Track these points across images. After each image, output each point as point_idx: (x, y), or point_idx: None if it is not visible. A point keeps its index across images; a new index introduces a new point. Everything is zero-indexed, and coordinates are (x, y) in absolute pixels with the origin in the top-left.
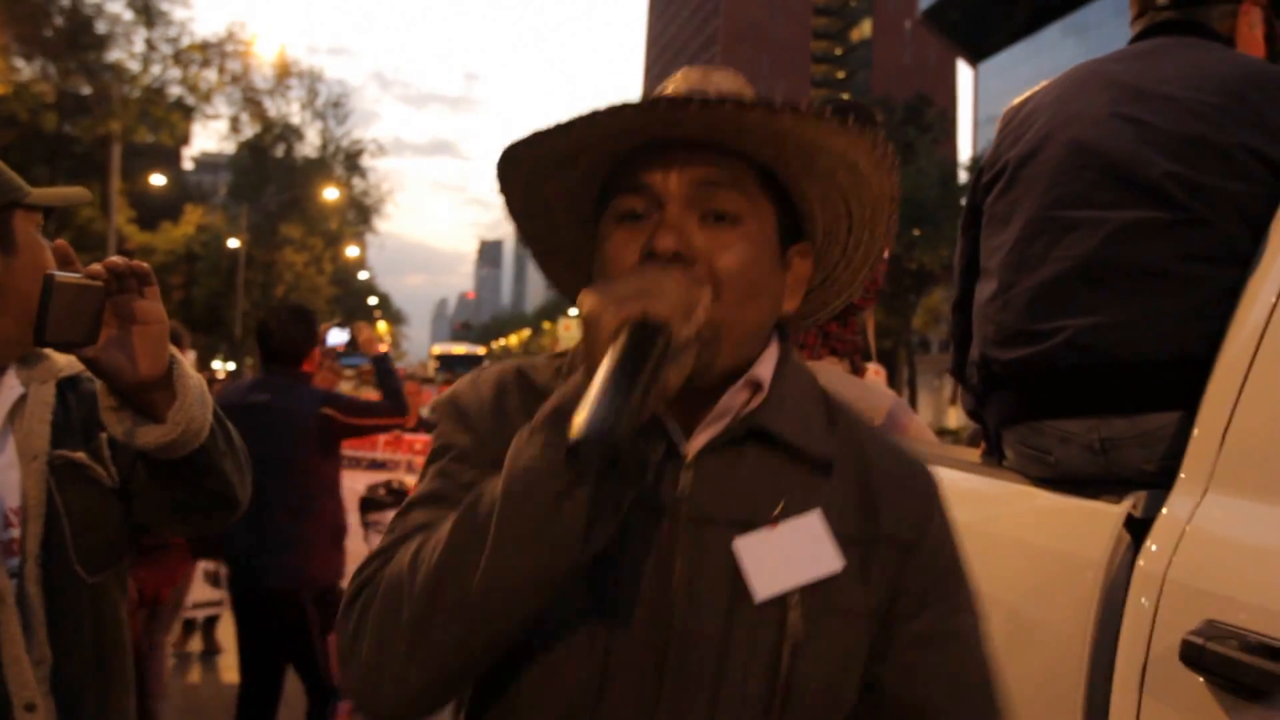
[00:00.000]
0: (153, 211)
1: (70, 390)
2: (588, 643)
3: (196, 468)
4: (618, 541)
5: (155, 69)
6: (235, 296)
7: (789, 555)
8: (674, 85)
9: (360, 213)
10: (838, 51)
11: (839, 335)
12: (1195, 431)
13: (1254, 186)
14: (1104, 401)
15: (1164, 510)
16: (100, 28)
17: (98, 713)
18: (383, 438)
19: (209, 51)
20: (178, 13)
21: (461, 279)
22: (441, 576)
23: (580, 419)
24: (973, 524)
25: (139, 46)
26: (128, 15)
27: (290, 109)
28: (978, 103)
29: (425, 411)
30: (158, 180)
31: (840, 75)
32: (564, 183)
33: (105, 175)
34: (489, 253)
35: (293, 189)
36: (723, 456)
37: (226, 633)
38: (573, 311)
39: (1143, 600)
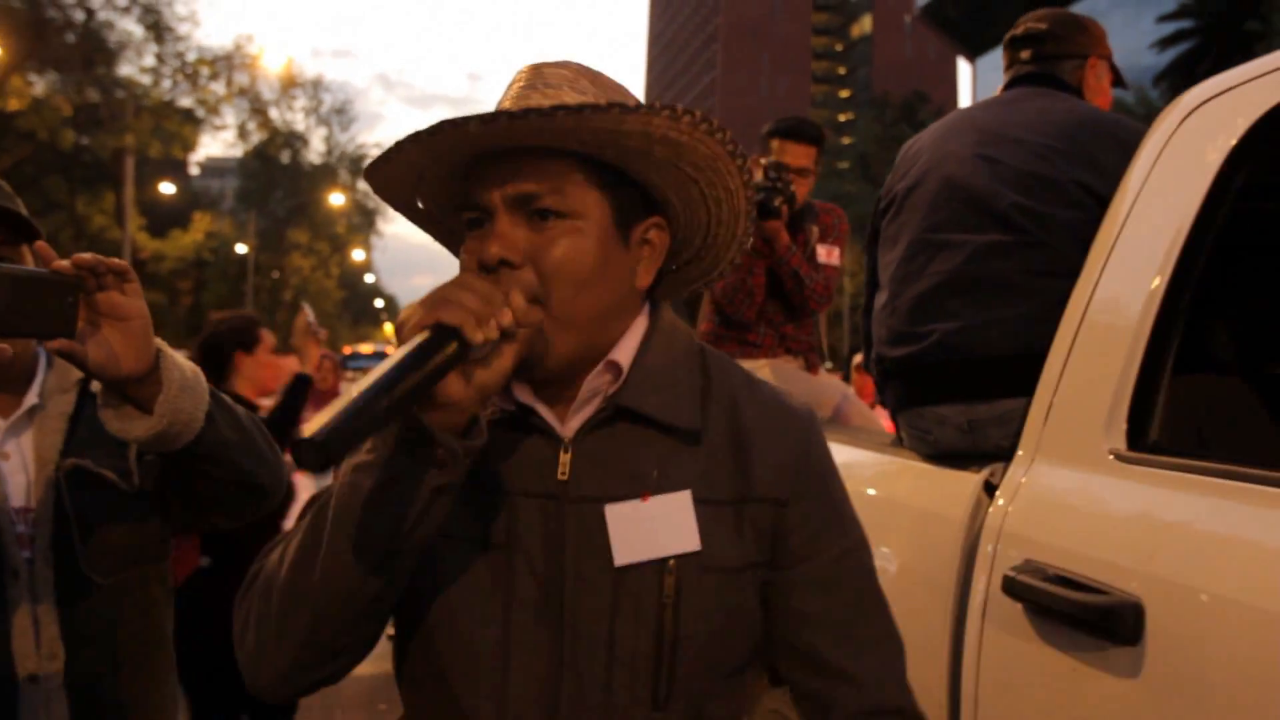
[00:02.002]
0: (162, 219)
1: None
2: (490, 620)
3: (201, 458)
4: (514, 525)
5: (165, 83)
6: (244, 302)
7: (655, 528)
8: (513, 87)
9: (365, 216)
10: (838, 47)
11: (794, 336)
12: (1030, 413)
13: (1083, 214)
14: (969, 390)
15: (1006, 476)
16: (111, 41)
17: (111, 706)
18: None
19: (216, 65)
20: (184, 27)
21: None
22: (294, 568)
23: (313, 423)
24: (879, 495)
25: (149, 61)
26: (138, 32)
27: (295, 116)
28: (976, 97)
29: None
30: (167, 189)
31: (841, 71)
32: (426, 194)
33: (118, 185)
34: None
35: (299, 195)
36: (597, 437)
37: None
38: None
39: (988, 547)
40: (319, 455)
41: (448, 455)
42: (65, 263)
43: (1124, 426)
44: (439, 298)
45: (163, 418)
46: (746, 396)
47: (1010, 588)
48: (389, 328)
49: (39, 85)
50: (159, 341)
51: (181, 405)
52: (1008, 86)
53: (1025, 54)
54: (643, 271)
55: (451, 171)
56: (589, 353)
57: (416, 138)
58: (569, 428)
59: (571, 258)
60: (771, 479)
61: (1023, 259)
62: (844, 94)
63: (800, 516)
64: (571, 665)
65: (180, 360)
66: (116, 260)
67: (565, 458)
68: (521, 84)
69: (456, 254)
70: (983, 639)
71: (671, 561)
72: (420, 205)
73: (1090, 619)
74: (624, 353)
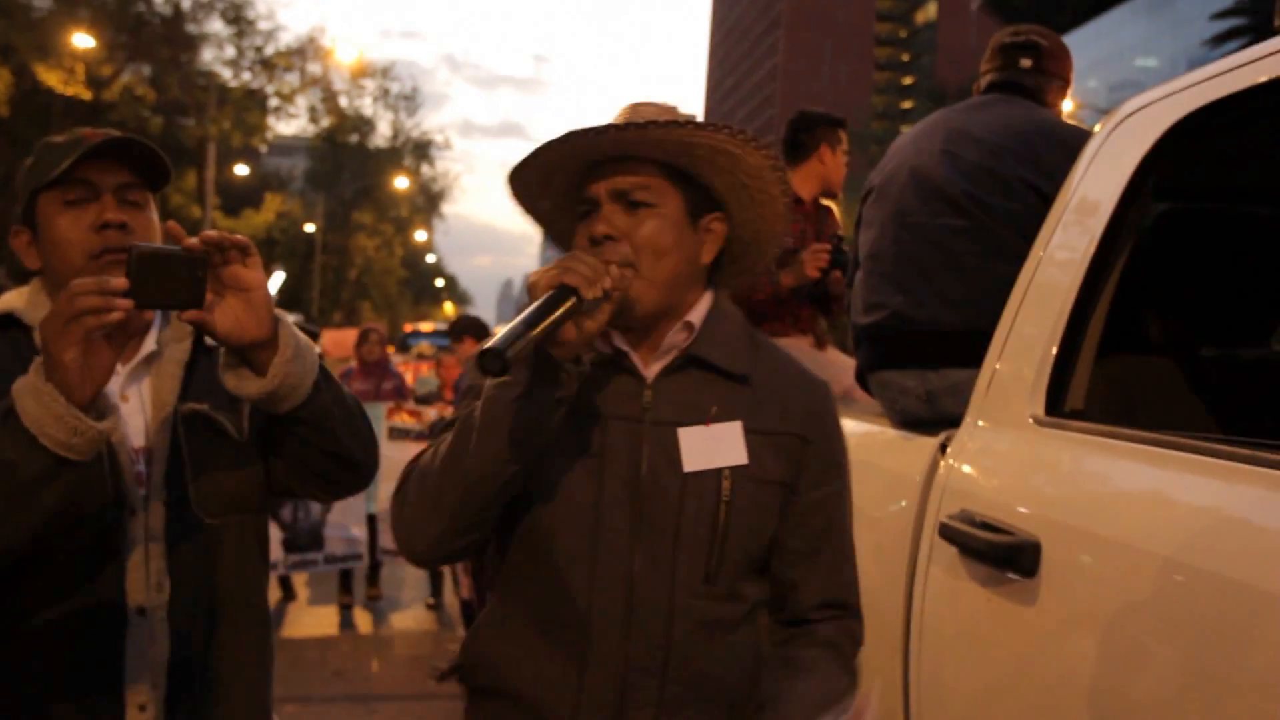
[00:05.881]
0: (235, 199)
1: (214, 354)
2: (585, 511)
3: (302, 422)
4: (605, 441)
5: (245, 75)
6: (311, 279)
7: (714, 446)
8: (618, 118)
9: (429, 199)
10: (902, 34)
11: (806, 318)
12: (976, 384)
13: (1026, 207)
14: (921, 357)
15: (955, 439)
16: (192, 30)
17: (206, 646)
18: (433, 409)
19: (291, 58)
20: (263, 24)
21: (528, 260)
22: (448, 459)
23: (489, 342)
24: (857, 457)
25: (229, 53)
26: (221, 29)
27: (363, 102)
28: None
29: (419, 388)
30: (241, 170)
31: (904, 58)
32: (552, 194)
33: (197, 167)
34: None
35: (365, 178)
36: (672, 379)
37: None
38: None
39: (935, 501)
40: (498, 361)
41: (566, 377)
42: (194, 240)
43: (1043, 396)
44: (563, 266)
45: (274, 379)
46: (783, 362)
47: (945, 533)
48: (449, 307)
49: (126, 75)
50: (278, 311)
51: (292, 370)
52: (988, 89)
53: (1026, 62)
54: (705, 251)
55: (568, 179)
56: (667, 310)
57: (549, 145)
58: (651, 371)
59: (656, 234)
60: (801, 421)
61: (970, 241)
62: (906, 81)
63: (816, 455)
64: (645, 546)
65: (296, 331)
66: (239, 236)
67: (647, 393)
68: (623, 116)
69: (562, 245)
70: (927, 578)
71: (727, 471)
72: (541, 206)
73: (1000, 556)
74: (696, 316)
